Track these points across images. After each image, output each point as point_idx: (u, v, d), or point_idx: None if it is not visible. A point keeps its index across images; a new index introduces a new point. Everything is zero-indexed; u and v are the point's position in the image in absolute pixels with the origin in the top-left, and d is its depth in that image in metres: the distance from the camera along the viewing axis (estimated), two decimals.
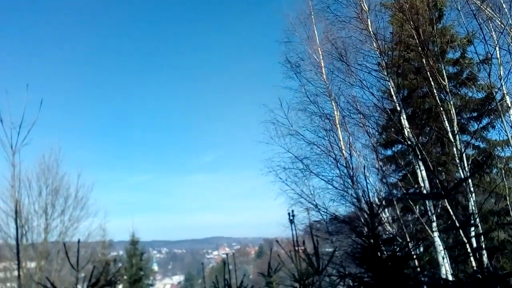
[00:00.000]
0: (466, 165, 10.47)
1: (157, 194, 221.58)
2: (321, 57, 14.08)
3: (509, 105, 10.81)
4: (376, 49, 11.99)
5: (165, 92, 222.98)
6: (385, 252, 3.09)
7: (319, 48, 14.21)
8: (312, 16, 14.59)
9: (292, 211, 3.74)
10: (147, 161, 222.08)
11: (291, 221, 3.74)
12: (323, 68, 13.99)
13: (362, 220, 10.81)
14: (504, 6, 10.39)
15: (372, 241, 3.04)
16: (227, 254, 4.13)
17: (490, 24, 10.82)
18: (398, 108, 11.67)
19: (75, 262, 3.89)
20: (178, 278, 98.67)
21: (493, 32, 10.82)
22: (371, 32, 11.95)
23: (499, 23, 10.51)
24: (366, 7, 12.22)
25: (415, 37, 11.10)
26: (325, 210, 13.19)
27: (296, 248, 3.64)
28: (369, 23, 12.07)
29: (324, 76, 13.87)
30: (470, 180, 10.38)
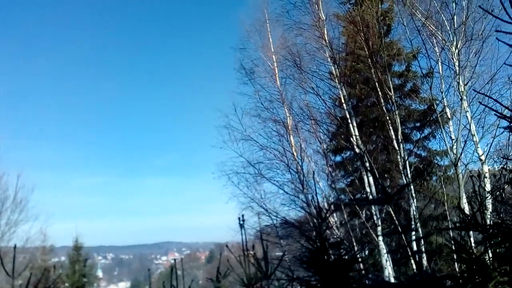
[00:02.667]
0: (408, 172, 11.04)
1: (106, 197, 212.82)
2: (275, 64, 14.31)
3: (449, 116, 11.53)
4: (329, 58, 12.37)
5: (117, 93, 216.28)
6: (332, 256, 3.17)
7: (273, 55, 14.44)
8: (268, 24, 14.83)
9: (243, 215, 3.73)
10: (97, 164, 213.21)
11: (241, 226, 3.74)
12: (277, 74, 14.22)
13: (311, 224, 11.06)
14: (446, 24, 11.10)
15: (319, 244, 3.10)
16: (175, 260, 4.04)
17: (434, 40, 11.51)
18: (348, 116, 12.09)
19: (10, 269, 3.64)
20: (124, 285, 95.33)
21: (436, 48, 11.52)
22: (326, 41, 12.32)
23: (441, 39, 11.21)
24: (323, 16, 12.60)
25: (365, 49, 11.59)
26: (276, 215, 13.35)
27: (246, 252, 3.64)
28: (325, 32, 12.44)
29: (278, 82, 14.10)
30: (412, 187, 10.94)
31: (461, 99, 10.64)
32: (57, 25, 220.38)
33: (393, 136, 11.43)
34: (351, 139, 11.97)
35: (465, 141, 10.63)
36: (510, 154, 10.48)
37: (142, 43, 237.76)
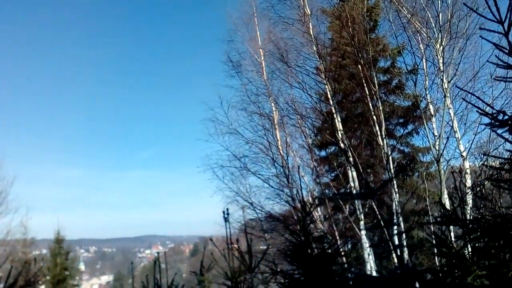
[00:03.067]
0: (391, 167, 11.18)
1: (89, 190, 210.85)
2: (262, 58, 14.26)
3: (432, 113, 11.69)
4: (315, 52, 12.37)
5: (100, 86, 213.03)
6: (315, 249, 3.19)
7: (260, 49, 14.39)
8: (255, 17, 14.75)
9: (227, 209, 3.73)
10: (78, 156, 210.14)
11: (226, 219, 3.74)
12: (264, 68, 14.18)
13: (296, 218, 11.11)
14: (431, 21, 11.21)
15: (303, 238, 3.12)
16: (158, 253, 4.02)
17: (419, 37, 11.62)
18: (333, 111, 12.15)
19: None
20: (107, 278, 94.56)
21: (421, 44, 11.63)
22: (312, 36, 12.31)
23: (426, 36, 11.32)
24: (309, 11, 12.57)
25: (351, 44, 11.63)
26: (261, 209, 13.39)
27: (230, 246, 3.64)
28: (311, 27, 12.42)
29: (265, 76, 14.06)
30: (394, 182, 11.09)
31: (445, 96, 10.79)
32: (43, 20, 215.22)
33: (378, 132, 11.54)
34: (336, 134, 12.04)
35: (448, 138, 10.80)
36: (491, 150, 10.70)
37: (125, 35, 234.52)
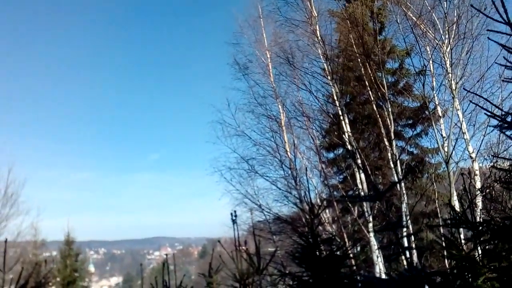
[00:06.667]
0: (400, 169, 11.11)
1: (99, 192, 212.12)
2: (269, 60, 14.28)
3: (440, 115, 11.61)
4: (322, 54, 12.35)
5: (109, 89, 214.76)
6: (324, 252, 3.19)
7: (267, 51, 14.40)
8: (261, 20, 14.77)
9: (235, 211, 3.74)
10: (90, 159, 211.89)
11: (234, 221, 3.75)
12: (270, 70, 14.19)
13: (304, 221, 11.10)
14: (438, 23, 11.15)
15: (311, 240, 3.12)
16: (166, 255, 4.04)
17: (426, 39, 11.56)
18: (340, 113, 12.12)
19: (1, 263, 3.62)
20: (116, 280, 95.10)
21: (428, 46, 11.57)
22: (319, 37, 12.28)
23: (433, 38, 11.26)
24: (315, 13, 12.56)
25: (359, 46, 11.60)
26: (269, 211, 13.37)
27: (238, 248, 3.65)
28: (317, 28, 12.41)
29: (272, 78, 14.07)
30: (403, 184, 11.02)
31: (453, 97, 10.72)
32: (50, 22, 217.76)
33: (385, 134, 11.48)
34: (344, 136, 12.00)
35: (456, 139, 10.71)
36: (500, 152, 10.59)
37: (134, 40, 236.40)
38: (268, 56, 14.35)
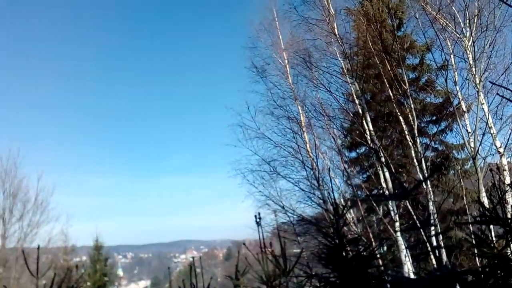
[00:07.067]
0: (425, 167, 10.90)
1: (124, 197, 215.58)
2: (287, 61, 14.29)
3: (465, 109, 11.33)
4: (340, 53, 12.26)
5: (132, 95, 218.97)
6: (350, 252, 3.17)
7: (284, 53, 14.40)
8: (276, 22, 14.81)
9: (259, 213, 3.75)
10: (114, 164, 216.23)
11: (258, 223, 3.76)
12: (288, 71, 14.21)
13: (328, 221, 11.02)
14: (458, 16, 10.90)
15: (337, 241, 3.11)
16: (193, 258, 4.09)
17: (446, 33, 11.32)
18: (361, 112, 11.99)
19: (34, 269, 3.75)
20: (145, 283, 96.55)
21: (448, 40, 11.32)
22: (337, 35, 12.19)
23: (454, 32, 11.02)
24: (333, 11, 12.48)
25: (378, 43, 11.46)
26: (292, 212, 13.34)
27: (264, 250, 3.66)
28: (335, 27, 12.32)
29: (290, 79, 14.07)
30: (429, 181, 10.80)
31: (477, 91, 10.45)
32: (72, 25, 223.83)
33: (409, 131, 11.29)
34: (366, 134, 11.86)
35: (483, 134, 10.43)
36: None
37: (156, 45, 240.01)
38: (285, 57, 14.36)
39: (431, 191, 10.74)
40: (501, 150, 10.27)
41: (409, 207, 10.29)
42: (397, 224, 10.87)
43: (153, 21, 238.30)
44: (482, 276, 2.66)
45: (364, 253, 3.20)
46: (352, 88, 12.18)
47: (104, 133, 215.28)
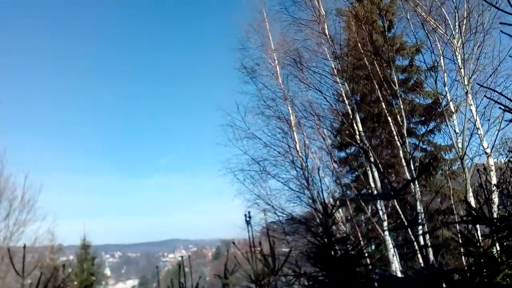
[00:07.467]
0: (413, 167, 11.00)
1: (112, 196, 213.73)
2: (277, 62, 14.29)
3: (453, 110, 11.46)
4: (331, 53, 12.29)
5: (120, 94, 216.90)
6: (338, 251, 3.18)
7: (274, 53, 14.40)
8: (266, 23, 14.81)
9: (249, 212, 3.75)
10: (102, 163, 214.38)
11: (248, 222, 3.76)
12: (278, 72, 14.20)
13: (317, 220, 11.06)
14: (448, 18, 11.02)
15: (326, 240, 3.12)
16: (182, 257, 4.07)
17: (436, 34, 11.43)
18: (351, 112, 12.05)
19: (20, 268, 3.69)
20: (132, 283, 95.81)
21: (438, 42, 11.44)
22: (328, 36, 12.22)
23: (444, 34, 11.13)
24: (323, 11, 12.51)
25: (368, 44, 11.52)
26: (282, 211, 13.37)
27: (253, 249, 3.66)
28: (326, 27, 12.35)
29: (280, 80, 14.07)
30: (417, 181, 10.90)
31: (466, 93, 10.58)
32: (61, 23, 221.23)
33: (398, 131, 11.38)
34: (355, 134, 11.93)
35: (471, 135, 10.58)
36: None
37: (143, 43, 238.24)
38: (275, 58, 14.36)
39: (419, 191, 10.85)
40: (488, 150, 10.42)
41: (397, 207, 10.37)
42: (385, 223, 10.96)
43: (140, 19, 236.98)
44: (468, 274, 2.69)
45: (353, 252, 3.21)
46: (342, 89, 12.23)
47: (92, 132, 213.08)
